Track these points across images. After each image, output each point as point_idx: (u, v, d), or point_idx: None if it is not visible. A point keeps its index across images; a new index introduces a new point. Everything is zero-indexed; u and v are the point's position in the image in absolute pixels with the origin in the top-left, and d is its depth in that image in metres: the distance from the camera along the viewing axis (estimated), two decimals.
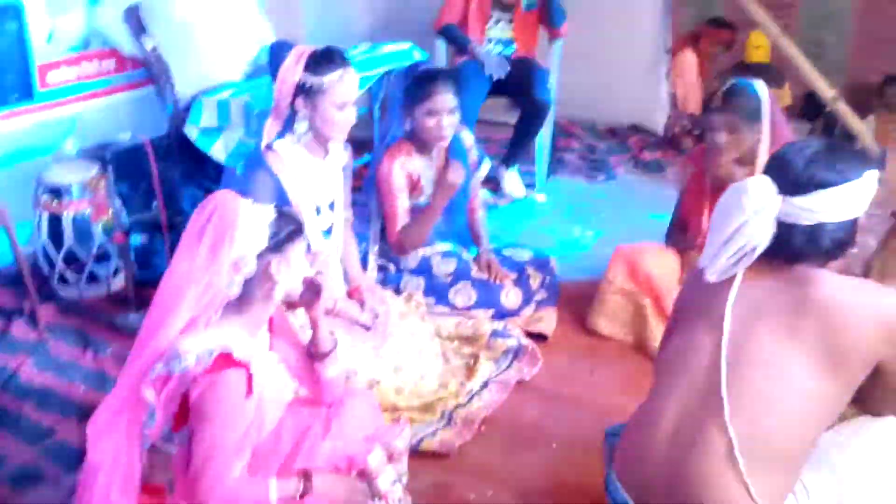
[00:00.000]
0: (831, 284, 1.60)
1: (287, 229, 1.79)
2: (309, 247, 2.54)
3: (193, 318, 1.70)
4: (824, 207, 1.59)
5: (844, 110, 4.59)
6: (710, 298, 1.68)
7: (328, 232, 2.69)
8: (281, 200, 2.52)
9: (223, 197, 1.77)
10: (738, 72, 5.06)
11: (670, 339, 1.81)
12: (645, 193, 4.41)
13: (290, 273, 1.81)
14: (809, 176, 1.60)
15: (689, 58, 5.23)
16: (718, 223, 1.65)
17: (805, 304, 1.59)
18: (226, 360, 1.67)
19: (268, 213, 1.79)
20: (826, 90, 4.57)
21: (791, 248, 1.63)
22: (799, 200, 1.60)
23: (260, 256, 1.75)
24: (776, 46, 4.87)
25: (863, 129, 4.72)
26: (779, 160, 1.67)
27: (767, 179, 1.63)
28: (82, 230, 3.17)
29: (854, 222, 1.64)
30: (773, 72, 5.32)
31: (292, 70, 2.48)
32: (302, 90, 2.49)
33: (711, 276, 1.66)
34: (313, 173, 2.60)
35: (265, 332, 1.93)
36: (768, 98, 2.73)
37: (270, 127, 2.55)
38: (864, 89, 5.37)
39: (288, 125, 2.57)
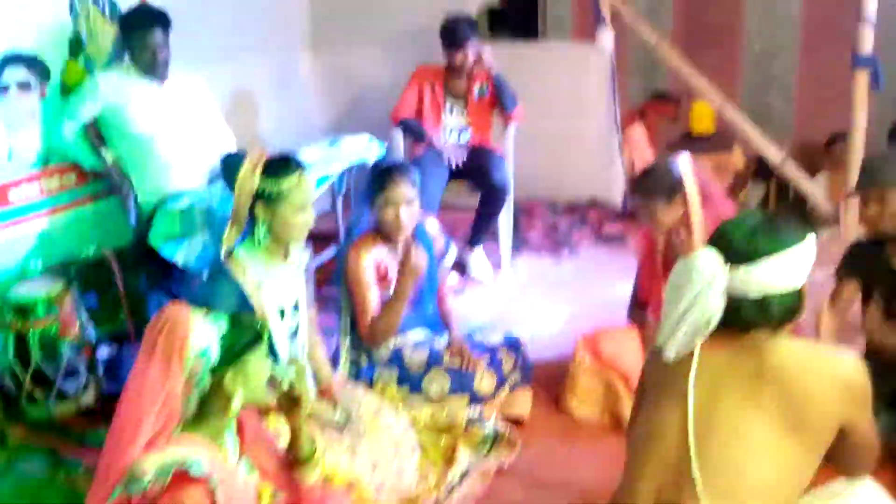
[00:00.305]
0: (785, 351, 1.64)
1: (242, 340, 1.79)
2: (275, 353, 2.56)
3: (153, 435, 1.69)
4: (770, 276, 1.63)
5: (793, 172, 4.74)
6: (673, 373, 1.71)
7: (294, 334, 2.70)
8: (244, 307, 2.54)
9: (174, 311, 1.78)
10: (684, 142, 5.25)
11: (638, 417, 1.84)
12: (610, 266, 4.47)
13: (248, 384, 1.79)
14: (753, 246, 1.64)
15: (638, 132, 5.39)
16: (671, 299, 1.69)
17: (761, 372, 1.62)
18: (183, 477, 1.65)
19: (220, 325, 1.78)
20: (774, 154, 4.72)
21: (743, 319, 1.66)
22: (745, 269, 1.64)
23: (214, 370, 1.75)
24: (721, 114, 5.04)
25: (813, 188, 4.87)
26: (721, 234, 1.72)
27: (713, 252, 1.68)
28: (49, 347, 3.14)
29: (801, 289, 1.68)
30: (720, 138, 5.48)
31: (250, 178, 2.53)
32: (261, 197, 2.54)
33: (670, 354, 1.69)
34: (275, 277, 2.63)
35: (234, 441, 1.91)
36: (689, 170, 2.89)
37: (229, 234, 2.58)
38: (812, 149, 5.54)
39: (247, 231, 2.61)
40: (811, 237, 1.69)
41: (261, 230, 2.58)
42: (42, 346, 3.12)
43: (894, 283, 2.64)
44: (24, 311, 3.11)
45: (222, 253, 2.57)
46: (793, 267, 1.65)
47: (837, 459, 1.72)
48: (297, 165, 2.59)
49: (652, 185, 2.87)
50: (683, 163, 2.90)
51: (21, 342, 3.12)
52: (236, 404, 1.79)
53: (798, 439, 1.59)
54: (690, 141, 5.41)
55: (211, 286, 2.55)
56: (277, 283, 2.64)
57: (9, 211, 3.51)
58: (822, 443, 1.63)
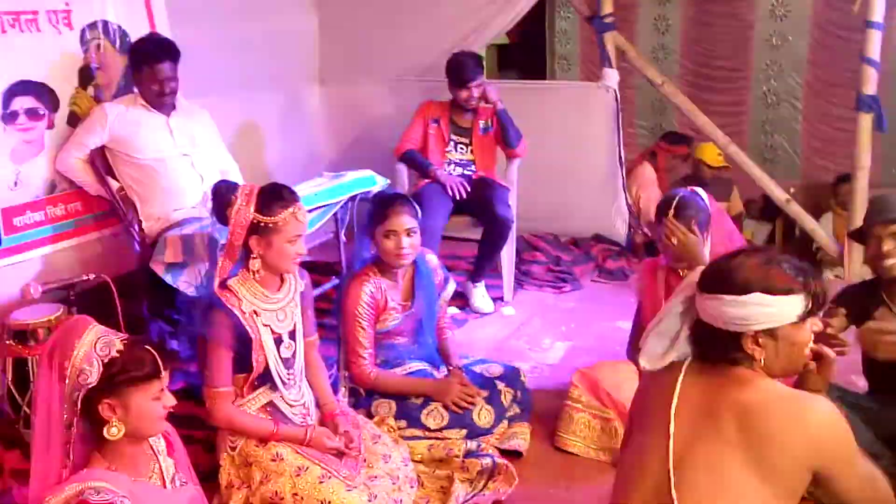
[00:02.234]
0: (756, 390, 1.62)
1: (131, 372, 1.73)
2: (272, 380, 2.56)
3: (58, 464, 1.70)
4: (752, 312, 1.61)
5: (798, 212, 4.74)
6: (658, 402, 1.70)
7: (291, 360, 2.70)
8: (241, 336, 2.55)
9: (72, 321, 1.78)
10: (689, 184, 5.25)
11: (626, 445, 1.83)
12: (611, 302, 4.47)
13: (131, 417, 1.75)
14: (744, 279, 1.63)
15: (649, 171, 5.37)
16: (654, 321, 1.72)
17: (727, 408, 1.60)
18: None
19: (109, 349, 1.73)
20: (779, 194, 4.73)
21: (724, 353, 1.66)
22: (730, 299, 1.62)
23: (92, 394, 1.71)
24: (726, 155, 5.06)
25: (817, 228, 4.86)
26: (716, 263, 1.73)
27: (698, 276, 1.71)
28: None
29: (771, 330, 1.64)
30: (720, 185, 5.46)
31: (244, 211, 2.55)
32: (256, 229, 2.56)
33: (644, 363, 1.71)
34: (271, 305, 2.64)
35: (163, 458, 1.90)
36: (713, 208, 2.88)
37: (223, 266, 2.61)
38: (819, 189, 5.54)
39: (240, 262, 2.62)
40: (790, 297, 1.63)
41: (255, 262, 2.59)
42: None
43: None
44: (23, 336, 3.12)
45: (215, 284, 2.59)
46: (777, 309, 1.62)
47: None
48: (291, 196, 2.61)
49: (694, 213, 2.81)
50: (708, 200, 2.90)
51: (20, 367, 3.12)
52: (112, 432, 1.74)
53: (766, 481, 1.55)
54: (694, 183, 5.40)
55: (206, 315, 2.57)
56: (273, 311, 2.64)
57: (13, 237, 3.54)
58: (792, 489, 1.58)
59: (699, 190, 2.94)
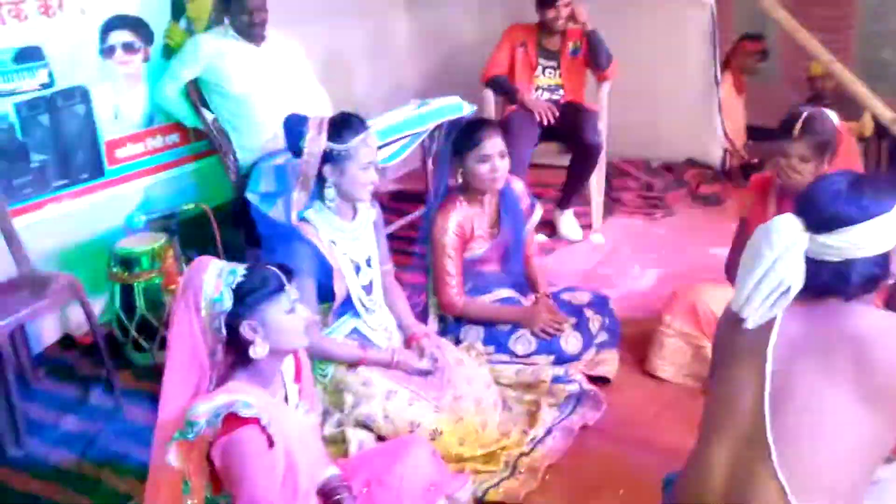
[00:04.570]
0: (864, 319, 1.58)
1: (259, 291, 1.82)
2: (353, 307, 2.62)
3: (198, 381, 1.79)
4: (850, 244, 1.57)
5: None
6: (750, 339, 1.66)
7: (369, 287, 2.77)
8: (322, 266, 2.62)
9: (195, 262, 1.85)
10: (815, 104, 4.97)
11: (713, 381, 1.80)
12: (704, 228, 4.37)
13: (270, 333, 1.83)
14: (833, 214, 1.58)
15: (725, 89, 5.17)
16: (748, 264, 1.64)
17: (838, 339, 1.57)
18: (235, 419, 1.71)
19: (232, 275, 1.82)
20: (885, 113, 4.48)
21: (821, 285, 1.61)
22: (824, 238, 1.59)
23: (231, 319, 1.80)
24: (832, 76, 4.79)
25: None
26: (805, 198, 1.66)
27: (793, 217, 1.63)
28: (153, 298, 3.30)
29: (885, 256, 1.60)
30: (850, 104, 5.17)
31: (316, 141, 2.58)
32: (329, 158, 2.59)
33: (750, 323, 1.64)
34: (346, 235, 2.70)
35: (290, 383, 1.98)
36: (842, 132, 2.73)
37: (298, 198, 2.67)
38: None
39: (315, 193, 2.67)
40: None
41: (330, 191, 2.64)
42: (146, 297, 3.28)
43: None
44: (129, 263, 3.28)
45: (293, 216, 2.65)
46: (875, 236, 1.58)
47: None
48: (360, 124, 2.63)
49: (817, 134, 2.67)
50: (837, 122, 2.74)
51: (127, 293, 3.29)
52: (261, 351, 1.82)
53: (871, 409, 1.53)
54: (816, 104, 5.15)
55: (287, 248, 2.63)
56: (349, 240, 2.70)
57: (115, 168, 3.68)
58: None
59: (829, 111, 2.76)
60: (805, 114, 2.70)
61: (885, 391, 1.53)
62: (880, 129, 5.06)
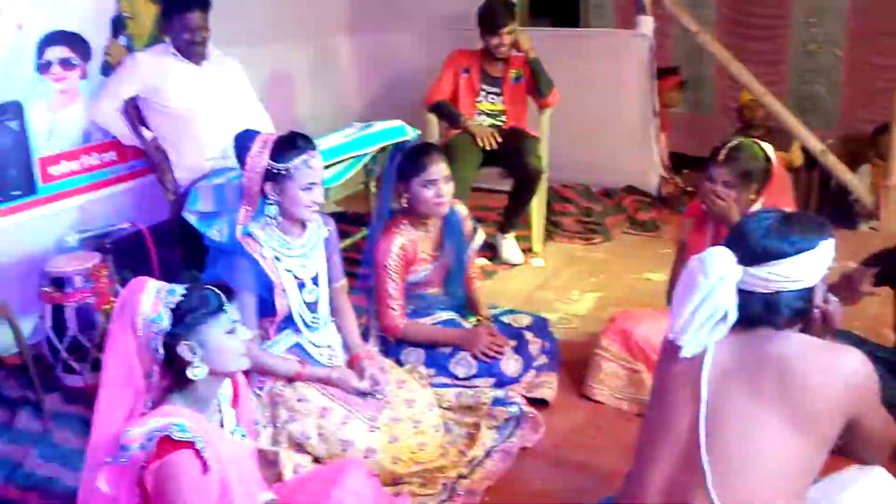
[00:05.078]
0: (787, 342, 1.65)
1: (198, 310, 1.81)
2: (295, 324, 2.59)
3: (133, 405, 1.75)
4: (779, 277, 1.65)
5: (833, 163, 4.66)
6: (686, 366, 1.70)
7: (314, 305, 2.75)
8: (262, 281, 2.60)
9: (134, 282, 1.83)
10: (742, 135, 5.12)
11: (652, 407, 1.84)
12: (641, 254, 4.46)
13: (209, 354, 1.81)
14: (765, 248, 1.66)
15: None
16: (683, 294, 1.69)
17: (764, 362, 1.63)
18: (169, 442, 1.68)
19: (171, 295, 1.81)
20: (815, 144, 4.64)
21: (752, 315, 1.67)
22: (755, 270, 1.65)
23: (170, 340, 1.78)
24: (762, 104, 4.95)
25: (853, 180, 4.77)
26: (737, 232, 1.73)
27: (727, 250, 1.69)
28: (85, 319, 3.21)
29: (811, 290, 1.68)
30: (779, 135, 5.33)
31: (259, 157, 2.58)
32: (270, 176, 2.58)
33: (687, 352, 1.69)
34: (292, 251, 2.68)
35: (227, 407, 1.95)
36: (776, 165, 2.79)
37: (243, 213, 2.65)
38: (858, 140, 5.42)
39: (261, 209, 2.66)
40: (826, 242, 1.68)
41: (271, 208, 2.63)
42: (78, 317, 3.19)
43: None
44: (61, 282, 3.19)
45: (237, 230, 2.63)
46: (802, 270, 1.66)
47: (849, 450, 1.73)
48: (306, 145, 2.62)
49: (746, 163, 2.72)
50: (770, 153, 2.79)
51: (58, 313, 3.20)
52: (196, 373, 1.80)
53: (801, 432, 1.58)
54: (748, 135, 5.29)
55: (228, 262, 2.62)
56: (294, 256, 2.69)
57: (49, 186, 3.60)
58: (827, 436, 1.62)
59: (765, 144, 2.82)
60: (734, 142, 2.78)
61: (811, 413, 1.58)
62: (810, 160, 5.24)
